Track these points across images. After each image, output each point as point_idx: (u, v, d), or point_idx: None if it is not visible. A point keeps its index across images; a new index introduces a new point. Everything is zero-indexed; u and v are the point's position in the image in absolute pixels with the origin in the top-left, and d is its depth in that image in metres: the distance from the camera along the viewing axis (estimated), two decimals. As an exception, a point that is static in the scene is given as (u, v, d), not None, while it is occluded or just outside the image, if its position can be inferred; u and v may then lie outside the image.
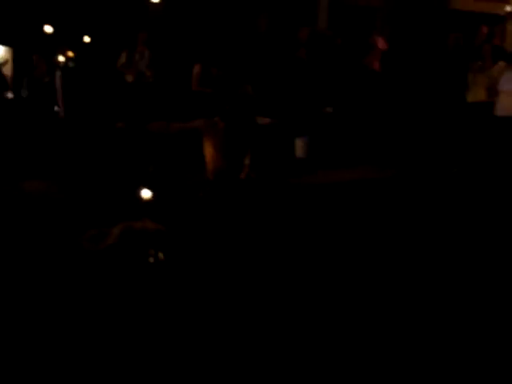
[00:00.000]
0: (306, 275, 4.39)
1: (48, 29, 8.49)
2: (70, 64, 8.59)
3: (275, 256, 4.73)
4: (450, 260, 4.63)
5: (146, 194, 4.73)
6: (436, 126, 7.91)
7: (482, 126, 7.63)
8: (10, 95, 7.89)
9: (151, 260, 4.47)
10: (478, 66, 8.09)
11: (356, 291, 4.08)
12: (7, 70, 7.79)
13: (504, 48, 8.57)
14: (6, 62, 7.84)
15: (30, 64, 7.70)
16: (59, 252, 4.59)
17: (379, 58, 8.62)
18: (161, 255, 4.50)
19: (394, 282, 4.24)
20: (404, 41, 9.32)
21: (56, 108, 7.77)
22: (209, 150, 4.61)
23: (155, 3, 9.00)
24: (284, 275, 4.37)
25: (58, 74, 7.80)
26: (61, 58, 8.31)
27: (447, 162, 7.37)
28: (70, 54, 8.60)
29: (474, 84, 8.04)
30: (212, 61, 8.18)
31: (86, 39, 8.81)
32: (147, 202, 4.73)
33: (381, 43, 8.70)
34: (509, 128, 7.53)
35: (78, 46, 8.72)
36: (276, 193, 6.21)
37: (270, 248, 4.83)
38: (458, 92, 8.03)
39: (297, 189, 6.60)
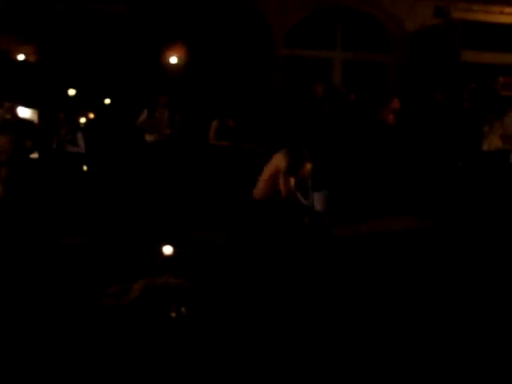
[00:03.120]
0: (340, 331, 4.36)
1: (71, 91, 8.80)
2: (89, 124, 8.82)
3: (301, 309, 4.72)
4: (491, 309, 4.57)
5: (167, 249, 4.80)
6: (452, 175, 7.95)
7: (499, 174, 7.65)
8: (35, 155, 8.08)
9: (173, 315, 4.49)
10: (492, 117, 8.18)
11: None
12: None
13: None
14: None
15: (57, 123, 7.92)
16: (79, 308, 4.63)
17: (393, 112, 8.78)
18: (183, 310, 4.52)
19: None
20: (417, 94, 9.48)
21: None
22: None
23: (174, 65, 9.31)
24: (312, 333, 4.34)
25: (80, 135, 8.02)
26: (82, 120, 8.55)
27: (466, 211, 7.36)
28: (91, 115, 8.85)
29: (489, 133, 8.11)
30: (228, 113, 8.42)
31: (107, 101, 9.09)
32: (169, 257, 4.79)
33: (395, 103, 8.89)
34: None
35: (99, 108, 8.99)
36: (294, 244, 6.22)
37: (294, 301, 4.82)
38: (474, 142, 8.11)
39: (316, 241, 6.59)
